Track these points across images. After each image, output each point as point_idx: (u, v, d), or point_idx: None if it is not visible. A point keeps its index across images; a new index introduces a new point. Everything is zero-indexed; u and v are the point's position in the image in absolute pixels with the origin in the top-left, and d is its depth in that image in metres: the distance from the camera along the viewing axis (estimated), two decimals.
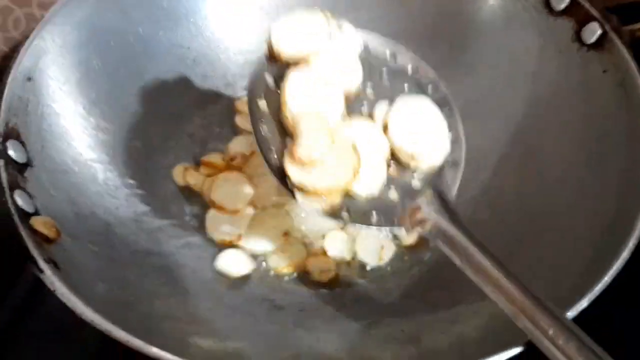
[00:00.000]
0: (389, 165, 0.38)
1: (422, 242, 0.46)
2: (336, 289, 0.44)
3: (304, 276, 0.45)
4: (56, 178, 0.40)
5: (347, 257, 0.46)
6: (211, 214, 0.46)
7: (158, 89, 0.51)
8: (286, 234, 0.45)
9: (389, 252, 0.46)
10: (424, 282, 0.44)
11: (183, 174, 0.49)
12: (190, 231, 0.46)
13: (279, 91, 0.37)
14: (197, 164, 0.51)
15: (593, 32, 0.45)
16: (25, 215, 0.35)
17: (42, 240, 0.34)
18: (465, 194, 0.40)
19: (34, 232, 0.34)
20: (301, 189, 0.35)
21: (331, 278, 0.44)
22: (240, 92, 0.55)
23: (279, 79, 0.38)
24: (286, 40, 0.38)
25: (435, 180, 0.37)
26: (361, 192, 0.36)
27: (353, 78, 0.39)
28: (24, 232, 0.33)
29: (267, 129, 0.37)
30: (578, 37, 0.46)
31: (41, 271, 0.32)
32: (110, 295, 0.35)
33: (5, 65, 0.64)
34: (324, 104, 0.36)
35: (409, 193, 0.37)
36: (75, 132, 0.44)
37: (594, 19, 0.45)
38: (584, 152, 0.44)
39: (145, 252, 0.42)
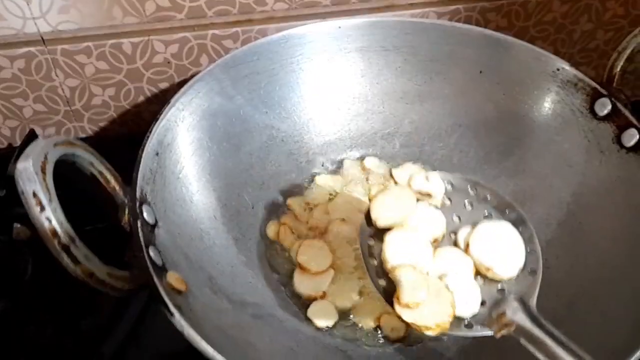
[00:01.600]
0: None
1: None
2: (405, 345, 0.51)
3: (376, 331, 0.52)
4: (174, 236, 0.49)
5: None
6: (297, 272, 0.54)
7: (251, 161, 0.60)
8: (362, 292, 0.53)
9: None
10: (482, 345, 0.50)
11: (275, 231, 0.58)
12: (279, 285, 0.54)
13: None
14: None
15: (632, 136, 0.52)
16: (156, 267, 0.43)
17: (173, 291, 0.42)
18: None
19: (162, 282, 0.42)
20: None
21: (400, 336, 0.51)
22: (318, 168, 0.64)
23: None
24: (382, 215, 0.48)
25: (517, 287, 0.45)
26: (466, 314, 0.44)
27: (438, 226, 0.48)
28: (158, 283, 0.41)
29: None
30: (618, 140, 0.53)
31: (172, 314, 0.40)
32: (222, 337, 0.43)
33: (112, 128, 0.76)
34: (417, 256, 0.45)
35: (495, 301, 0.44)
36: (189, 197, 0.53)
37: (633, 125, 0.52)
38: (626, 238, 0.50)
39: (241, 302, 0.50)
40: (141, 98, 0.74)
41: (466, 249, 0.47)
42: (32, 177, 0.36)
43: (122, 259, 0.44)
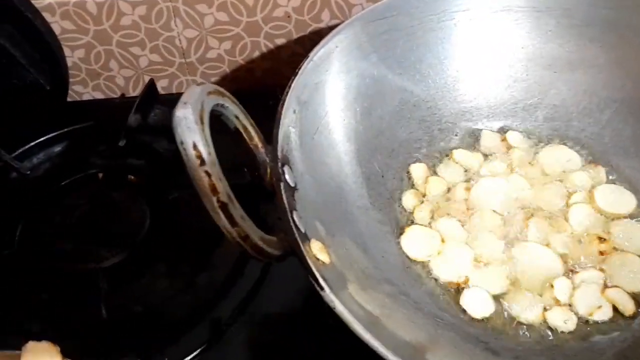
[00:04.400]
0: None
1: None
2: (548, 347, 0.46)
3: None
4: (313, 201, 0.45)
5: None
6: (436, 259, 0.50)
7: (381, 126, 0.56)
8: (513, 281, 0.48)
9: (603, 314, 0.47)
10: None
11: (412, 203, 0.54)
12: (412, 263, 0.50)
13: None
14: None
15: None
16: (300, 234, 0.40)
17: (318, 262, 0.39)
18: None
19: (308, 251, 0.39)
20: None
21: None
22: (451, 136, 0.59)
23: None
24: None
25: None
26: None
27: None
28: (305, 252, 0.38)
29: None
30: None
31: (322, 288, 0.36)
32: (363, 314, 0.39)
33: (223, 84, 0.74)
34: None
35: None
36: (322, 158, 0.49)
37: None
38: None
39: (376, 279, 0.46)
40: (256, 53, 0.71)
41: None
42: (192, 127, 0.33)
43: (264, 221, 0.40)
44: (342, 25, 0.52)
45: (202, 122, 0.34)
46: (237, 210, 0.34)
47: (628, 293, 0.47)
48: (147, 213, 0.58)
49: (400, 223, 0.53)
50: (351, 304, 0.38)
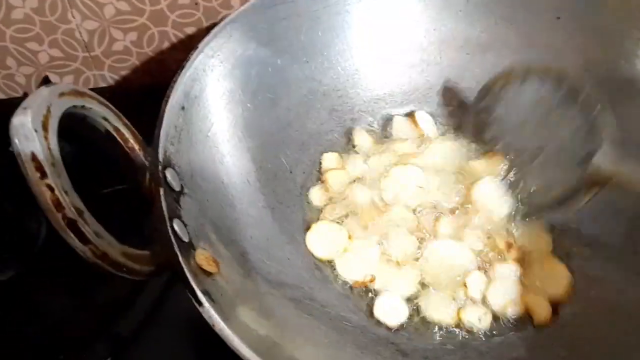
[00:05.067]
0: None
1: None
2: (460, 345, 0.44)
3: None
4: (202, 205, 0.42)
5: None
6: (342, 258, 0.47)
7: (289, 117, 0.53)
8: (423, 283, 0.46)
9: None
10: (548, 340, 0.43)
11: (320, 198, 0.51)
12: (321, 263, 0.47)
13: None
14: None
15: None
16: (181, 245, 0.36)
17: (203, 273, 0.36)
18: None
19: (189, 263, 0.36)
20: None
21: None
22: (364, 125, 0.56)
23: None
24: None
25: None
26: None
27: None
28: (184, 264, 0.35)
29: None
30: None
31: (200, 304, 0.33)
32: (256, 329, 0.36)
33: (134, 77, 0.70)
34: None
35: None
36: (220, 158, 0.46)
37: None
38: None
39: (278, 283, 0.43)
40: (166, 44, 0.67)
41: None
42: (30, 135, 0.29)
43: (141, 232, 0.37)
44: (235, 12, 0.49)
45: (45, 129, 0.30)
46: (90, 226, 0.30)
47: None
48: (42, 223, 0.54)
49: (311, 222, 0.50)
50: (245, 322, 0.36)
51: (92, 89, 0.43)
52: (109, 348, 0.48)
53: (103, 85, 0.70)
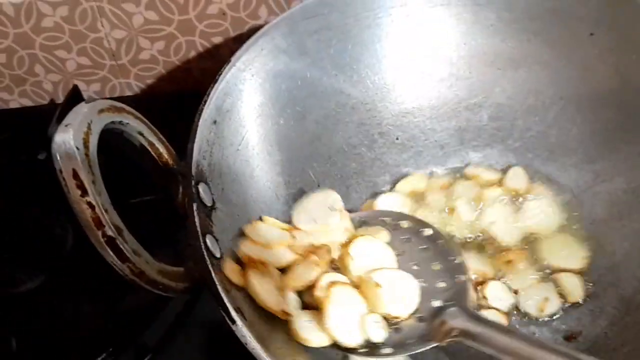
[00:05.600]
0: None
1: None
2: None
3: None
4: (233, 219, 0.42)
5: None
6: None
7: (317, 131, 0.53)
8: None
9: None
10: None
11: None
12: None
13: None
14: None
15: None
16: (214, 261, 0.36)
17: (232, 286, 0.35)
18: None
19: (222, 279, 0.36)
20: None
21: None
22: (392, 139, 0.56)
23: None
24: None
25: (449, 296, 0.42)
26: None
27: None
28: (216, 280, 0.35)
29: None
30: None
31: (233, 322, 0.33)
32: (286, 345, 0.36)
33: (160, 85, 0.70)
34: None
35: (432, 313, 0.41)
36: (250, 172, 0.46)
37: None
38: None
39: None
40: (192, 53, 0.67)
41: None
42: (72, 153, 0.29)
43: (175, 248, 0.37)
44: (267, 26, 0.49)
45: (86, 147, 0.30)
46: (129, 244, 0.30)
47: None
48: (69, 230, 0.54)
49: None
50: (270, 338, 0.36)
51: (118, 97, 0.43)
52: (134, 358, 0.47)
53: (129, 93, 0.71)
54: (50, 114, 0.62)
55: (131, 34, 0.64)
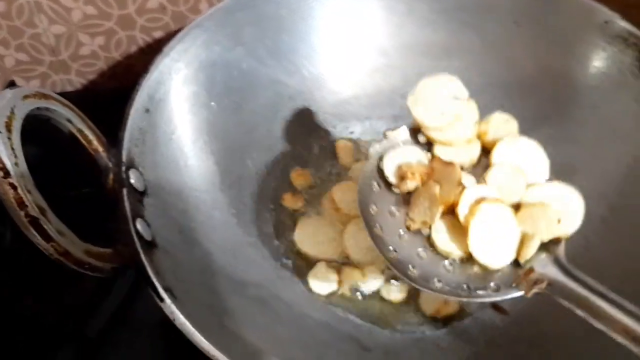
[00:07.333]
0: None
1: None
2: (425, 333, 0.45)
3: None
4: (166, 206, 0.43)
5: None
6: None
7: (255, 120, 0.54)
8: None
9: None
10: (511, 334, 0.44)
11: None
12: (284, 266, 0.48)
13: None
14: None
15: None
16: (144, 243, 0.37)
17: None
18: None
19: (152, 261, 0.36)
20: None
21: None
22: (330, 129, 0.57)
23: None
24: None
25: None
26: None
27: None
28: (146, 262, 0.35)
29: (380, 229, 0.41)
30: None
31: (161, 300, 0.34)
32: (218, 326, 0.37)
33: (101, 81, 0.70)
34: None
35: None
36: (184, 160, 0.47)
37: None
38: None
39: (242, 283, 0.44)
40: (134, 48, 0.67)
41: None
42: None
43: (105, 232, 0.37)
44: (201, 17, 0.49)
45: (8, 130, 0.30)
46: (53, 224, 0.31)
47: None
48: (7, 226, 0.53)
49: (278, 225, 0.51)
50: (207, 319, 0.36)
51: (59, 94, 0.44)
52: (76, 349, 0.47)
53: (70, 89, 0.70)
54: None
55: (70, 29, 0.64)
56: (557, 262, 0.37)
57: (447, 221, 0.40)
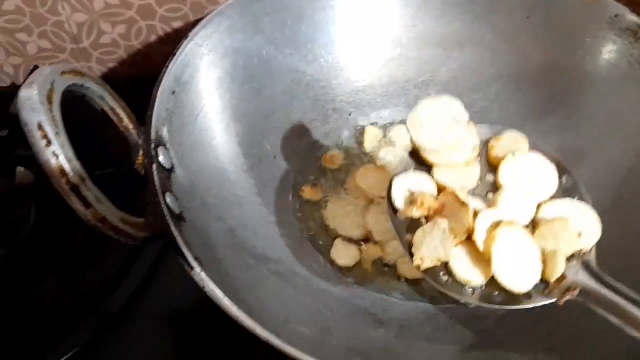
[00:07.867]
0: None
1: None
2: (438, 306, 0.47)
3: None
4: (192, 183, 0.44)
5: None
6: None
7: (273, 106, 0.55)
8: None
9: None
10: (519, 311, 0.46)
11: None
12: (304, 241, 0.50)
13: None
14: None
15: None
16: (174, 216, 0.39)
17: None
18: None
19: (181, 232, 0.38)
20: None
21: None
22: (345, 116, 0.59)
23: None
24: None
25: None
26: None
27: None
28: (176, 232, 0.37)
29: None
30: None
31: (192, 268, 0.36)
32: (245, 295, 0.39)
33: (121, 70, 0.71)
34: None
35: None
36: (209, 141, 0.48)
37: None
38: None
39: (264, 258, 0.46)
40: (153, 38, 0.69)
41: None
42: (37, 107, 0.31)
43: (135, 206, 0.39)
44: (223, 5, 0.51)
45: (50, 102, 0.32)
46: (92, 192, 0.32)
47: None
48: (32, 207, 0.55)
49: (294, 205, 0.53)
50: (235, 287, 0.38)
51: None
52: (97, 326, 0.49)
53: None
54: (12, 97, 0.63)
55: (92, 18, 0.66)
56: (589, 268, 0.37)
57: (460, 250, 0.40)
